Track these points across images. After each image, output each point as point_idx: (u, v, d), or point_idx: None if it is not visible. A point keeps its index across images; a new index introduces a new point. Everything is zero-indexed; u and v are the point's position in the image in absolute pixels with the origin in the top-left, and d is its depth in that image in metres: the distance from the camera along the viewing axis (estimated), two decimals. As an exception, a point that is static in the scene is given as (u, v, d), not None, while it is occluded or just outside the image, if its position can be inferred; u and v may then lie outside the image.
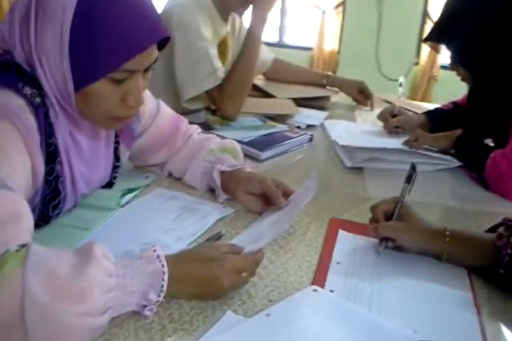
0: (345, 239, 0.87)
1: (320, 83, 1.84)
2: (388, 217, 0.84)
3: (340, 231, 0.89)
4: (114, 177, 0.96)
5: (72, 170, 0.82)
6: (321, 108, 1.70)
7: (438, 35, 1.27)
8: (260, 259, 0.71)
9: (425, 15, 3.84)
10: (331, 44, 4.22)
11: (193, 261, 0.67)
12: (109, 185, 0.96)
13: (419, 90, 4.02)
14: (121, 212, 0.89)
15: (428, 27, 3.88)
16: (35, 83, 0.72)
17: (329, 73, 1.90)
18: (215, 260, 0.66)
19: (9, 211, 0.60)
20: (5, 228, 0.58)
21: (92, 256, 0.59)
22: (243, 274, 0.68)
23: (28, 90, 0.71)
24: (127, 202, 0.94)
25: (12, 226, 0.59)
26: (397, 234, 0.80)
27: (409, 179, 0.84)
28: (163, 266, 0.63)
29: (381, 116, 1.51)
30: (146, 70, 0.77)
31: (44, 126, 0.73)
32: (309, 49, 4.31)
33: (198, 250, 0.70)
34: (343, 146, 1.26)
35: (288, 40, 4.50)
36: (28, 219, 0.63)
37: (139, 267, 0.62)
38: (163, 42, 0.78)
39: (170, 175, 1.08)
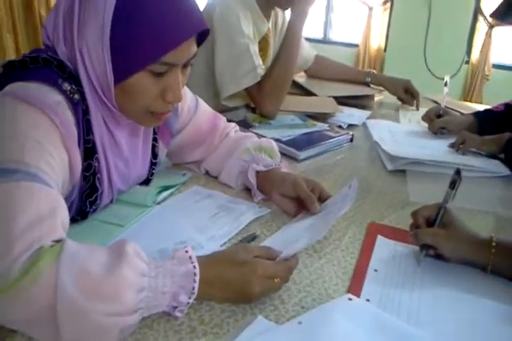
0: (383, 246, 0.84)
1: (363, 81, 1.79)
2: (430, 223, 0.80)
3: (379, 237, 0.86)
4: (152, 175, 0.96)
5: (109, 167, 0.82)
6: (364, 107, 1.65)
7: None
8: (294, 266, 0.69)
9: (477, 11, 3.69)
10: (377, 41, 4.13)
11: (225, 265, 0.65)
12: (146, 182, 0.96)
13: (469, 90, 3.88)
14: (157, 210, 0.89)
15: (480, 24, 3.74)
16: (74, 79, 0.72)
17: (373, 71, 1.84)
18: (247, 264, 0.65)
19: (45, 206, 0.60)
20: (40, 223, 0.59)
21: (125, 255, 0.59)
22: (275, 280, 0.66)
23: (67, 86, 0.71)
24: (163, 200, 0.94)
25: (47, 221, 0.60)
26: (438, 242, 0.76)
27: (453, 184, 0.79)
28: (194, 267, 0.62)
29: (426, 117, 1.45)
30: (185, 66, 0.76)
31: (82, 123, 0.74)
32: (355, 46, 4.24)
33: (230, 253, 0.68)
34: (384, 151, 1.22)
35: (333, 36, 4.44)
36: (63, 214, 0.64)
37: (171, 268, 0.62)
38: (202, 38, 0.77)
39: (207, 172, 1.07)
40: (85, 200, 0.80)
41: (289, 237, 0.79)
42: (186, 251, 0.64)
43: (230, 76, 1.39)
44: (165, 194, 0.95)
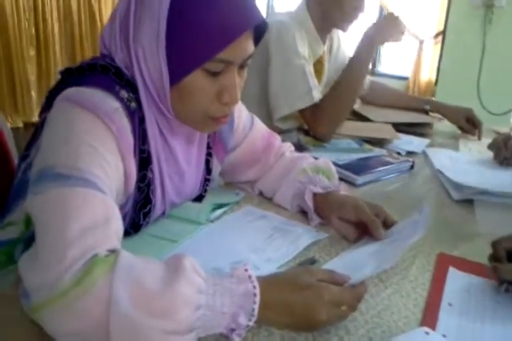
0: (456, 278, 0.76)
1: (421, 108, 1.72)
2: (510, 256, 0.72)
3: (451, 269, 0.78)
4: (205, 191, 0.93)
5: (163, 178, 0.79)
6: (422, 135, 1.58)
7: None
8: (363, 293, 0.63)
9: (535, 45, 3.58)
10: (427, 74, 4.07)
11: (287, 287, 0.60)
12: (199, 198, 0.93)
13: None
14: (211, 227, 0.85)
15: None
16: (131, 87, 0.71)
17: (432, 98, 1.78)
18: (312, 288, 0.59)
19: (99, 213, 0.58)
20: (94, 231, 0.56)
21: (182, 269, 0.55)
22: (342, 308, 0.60)
23: (124, 94, 0.69)
24: (217, 218, 0.90)
25: (102, 229, 0.57)
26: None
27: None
28: (254, 287, 0.57)
29: (492, 145, 1.37)
30: (241, 67, 0.73)
31: (138, 132, 0.71)
32: (404, 78, 4.18)
33: (292, 274, 0.62)
34: (450, 179, 1.14)
35: (382, 68, 4.41)
36: (118, 223, 0.61)
37: (229, 286, 0.57)
38: (259, 38, 0.75)
39: (260, 193, 1.03)
40: (139, 212, 0.76)
41: (352, 263, 0.73)
42: (246, 270, 0.59)
43: (285, 97, 1.37)
44: (218, 212, 0.91)
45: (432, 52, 4.03)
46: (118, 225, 0.60)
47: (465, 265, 0.80)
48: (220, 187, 1.03)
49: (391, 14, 1.44)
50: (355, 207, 0.84)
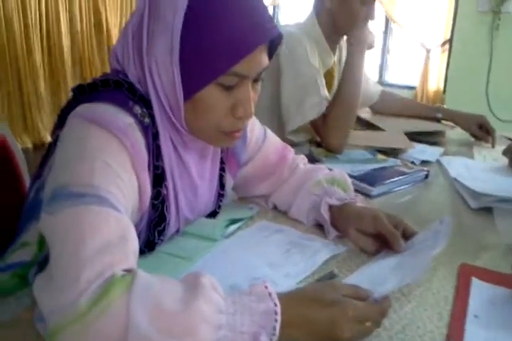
0: (481, 289, 0.74)
1: (432, 116, 1.71)
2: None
3: (474, 280, 0.76)
4: (219, 207, 0.92)
5: (177, 194, 0.78)
6: (435, 143, 1.56)
7: None
8: (388, 308, 0.61)
9: (543, 50, 3.56)
10: (435, 83, 4.06)
11: (309, 303, 0.58)
12: (212, 214, 0.91)
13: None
14: (226, 244, 0.84)
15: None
16: (145, 103, 0.70)
17: (443, 106, 1.76)
18: (336, 305, 0.57)
19: (115, 232, 0.57)
20: (111, 250, 0.55)
21: (201, 288, 0.53)
22: (367, 324, 0.58)
23: (138, 109, 0.69)
24: (231, 233, 0.88)
25: (118, 248, 0.56)
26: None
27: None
28: (275, 305, 0.55)
29: (507, 151, 1.34)
30: (255, 80, 0.72)
31: (152, 147, 0.70)
32: (412, 88, 4.17)
33: (315, 290, 0.60)
34: (467, 187, 1.12)
35: (389, 78, 4.40)
36: (134, 242, 0.59)
37: (249, 304, 0.55)
38: (273, 51, 0.74)
39: (274, 207, 1.01)
40: (154, 230, 0.75)
41: (373, 277, 0.71)
42: (265, 287, 0.57)
43: (296, 108, 1.36)
44: (232, 227, 0.90)
45: (439, 60, 4.01)
46: (134, 244, 0.59)
47: (489, 275, 0.77)
48: (232, 203, 1.02)
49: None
50: (374, 218, 0.82)
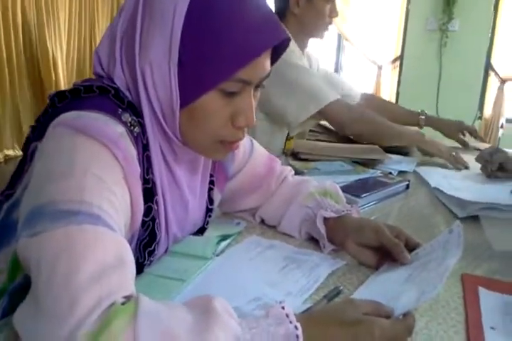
0: (489, 299, 0.71)
1: (415, 122, 1.71)
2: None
3: (481, 289, 0.74)
4: (207, 223, 0.86)
5: (167, 210, 0.72)
6: (407, 154, 1.57)
7: None
8: (413, 325, 0.57)
9: (488, 67, 3.75)
10: (387, 98, 4.17)
11: (331, 324, 0.53)
12: (200, 230, 0.85)
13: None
14: (218, 262, 0.78)
15: (492, 80, 3.78)
16: (133, 110, 0.64)
17: (425, 111, 1.76)
18: (360, 324, 0.52)
19: (112, 254, 0.50)
20: (109, 276, 0.48)
21: (214, 313, 0.47)
22: None
23: (127, 117, 0.62)
24: (222, 251, 0.82)
25: (116, 273, 0.49)
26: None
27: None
28: (296, 328, 0.50)
29: (480, 158, 1.36)
30: (257, 86, 0.68)
31: (143, 159, 0.64)
32: (365, 103, 4.26)
33: (335, 310, 0.55)
34: (451, 196, 1.12)
35: (343, 94, 4.48)
36: (132, 264, 0.53)
37: (267, 328, 0.50)
38: (276, 56, 0.70)
39: (262, 221, 0.96)
40: (144, 251, 0.68)
41: (385, 292, 0.67)
42: (283, 308, 0.52)
43: (296, 104, 1.37)
44: (223, 244, 0.84)
45: (390, 76, 4.14)
46: (132, 266, 0.53)
47: (493, 284, 0.76)
48: (217, 219, 0.96)
49: None
50: (375, 230, 0.78)
